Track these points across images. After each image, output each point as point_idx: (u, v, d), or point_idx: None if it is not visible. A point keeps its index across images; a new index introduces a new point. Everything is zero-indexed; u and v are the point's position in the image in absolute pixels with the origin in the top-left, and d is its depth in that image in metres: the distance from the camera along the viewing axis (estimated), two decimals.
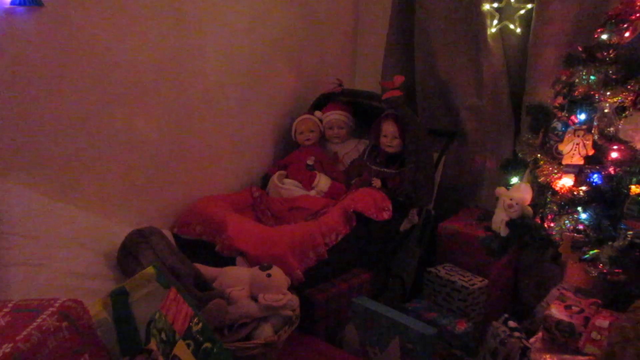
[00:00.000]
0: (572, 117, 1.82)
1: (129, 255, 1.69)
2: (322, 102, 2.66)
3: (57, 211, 1.74)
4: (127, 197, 2.06)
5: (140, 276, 1.44)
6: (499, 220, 1.89)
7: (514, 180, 2.04)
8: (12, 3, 1.60)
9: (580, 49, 1.87)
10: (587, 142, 1.73)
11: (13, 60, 1.65)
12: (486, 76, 2.57)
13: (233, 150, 2.46)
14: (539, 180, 1.87)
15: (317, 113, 2.61)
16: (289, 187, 2.40)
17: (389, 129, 2.41)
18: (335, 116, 2.58)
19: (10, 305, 0.99)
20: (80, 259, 1.65)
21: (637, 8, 1.72)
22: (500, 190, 1.94)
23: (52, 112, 1.77)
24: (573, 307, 1.72)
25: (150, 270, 1.45)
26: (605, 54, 1.78)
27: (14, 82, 1.66)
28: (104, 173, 1.97)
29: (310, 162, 2.47)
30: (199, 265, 1.80)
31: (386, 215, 2.26)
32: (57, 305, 0.98)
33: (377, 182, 2.36)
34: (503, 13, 2.54)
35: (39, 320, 0.92)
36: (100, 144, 1.94)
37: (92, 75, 1.86)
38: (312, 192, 2.40)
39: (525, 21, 2.51)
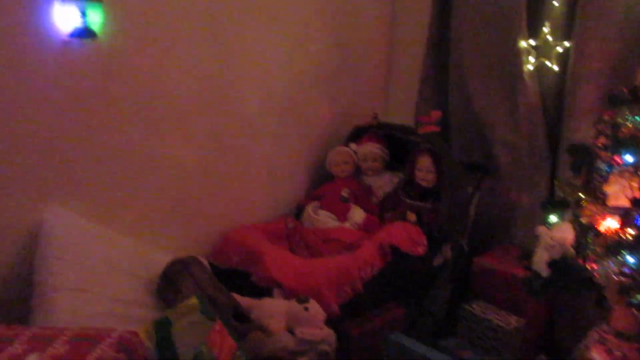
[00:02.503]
0: (616, 158, 1.80)
1: (170, 283, 1.70)
2: (357, 134, 2.68)
3: (100, 236, 1.77)
4: (166, 224, 2.09)
5: (184, 306, 1.45)
6: (540, 260, 1.86)
7: (554, 219, 2.01)
8: (70, 35, 1.66)
9: (624, 90, 1.86)
10: (634, 184, 1.70)
11: (66, 89, 1.71)
12: (522, 112, 2.56)
13: (268, 179, 2.48)
14: (582, 220, 1.84)
15: (352, 145, 2.63)
16: (323, 219, 2.41)
17: (424, 163, 2.41)
18: (370, 149, 2.59)
19: (68, 333, 1.00)
20: (122, 286, 1.67)
21: None
22: (542, 229, 1.91)
23: (99, 140, 1.82)
24: (615, 352, 1.67)
25: (193, 300, 1.46)
26: None
27: (66, 110, 1.72)
28: (145, 200, 2.01)
29: (344, 194, 2.47)
30: (235, 296, 1.80)
31: (421, 250, 2.24)
32: (114, 336, 0.99)
33: (411, 216, 2.35)
34: (540, 50, 2.54)
35: (98, 350, 0.93)
36: (143, 171, 1.98)
37: (137, 104, 1.92)
38: (347, 224, 2.40)
39: (563, 58, 2.51)
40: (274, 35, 2.37)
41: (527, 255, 1.98)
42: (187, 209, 2.16)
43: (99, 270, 1.66)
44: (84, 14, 1.66)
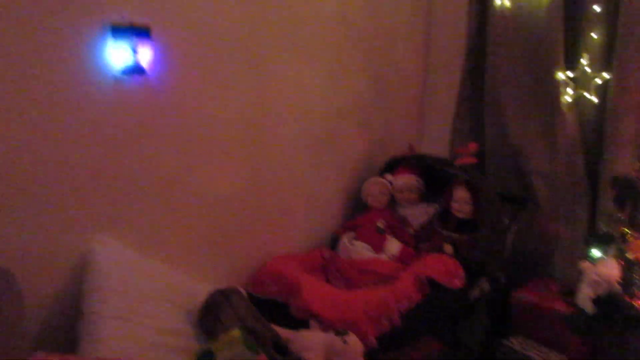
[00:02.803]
0: None
1: (211, 314, 1.72)
2: (393, 165, 2.69)
3: (144, 266, 1.81)
4: (205, 254, 2.12)
5: (227, 338, 1.46)
6: (585, 296, 1.82)
7: (598, 254, 1.97)
8: (121, 72, 1.74)
9: None
10: None
11: (115, 123, 1.78)
12: (560, 144, 2.54)
13: (304, 210, 2.51)
14: (628, 256, 1.80)
15: (388, 176, 2.64)
16: (359, 250, 2.41)
17: (460, 194, 2.40)
18: (405, 180, 2.60)
19: None
20: (165, 315, 1.70)
21: None
22: (586, 265, 1.87)
23: (144, 171, 1.88)
24: None
25: (236, 333, 1.48)
26: None
27: (114, 143, 1.78)
28: (186, 229, 2.05)
29: (380, 225, 2.47)
30: (274, 327, 1.80)
31: (458, 282, 2.21)
32: None
33: (448, 248, 2.33)
34: (578, 82, 2.53)
35: None
36: (184, 202, 2.02)
37: (181, 137, 1.97)
38: (383, 256, 2.40)
39: (602, 90, 2.49)
40: (311, 70, 2.42)
41: (570, 291, 1.94)
42: (225, 239, 2.19)
43: (143, 299, 1.69)
44: (134, 52, 1.74)
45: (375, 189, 2.60)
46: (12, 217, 1.60)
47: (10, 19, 1.52)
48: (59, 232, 1.70)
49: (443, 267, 2.20)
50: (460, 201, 2.39)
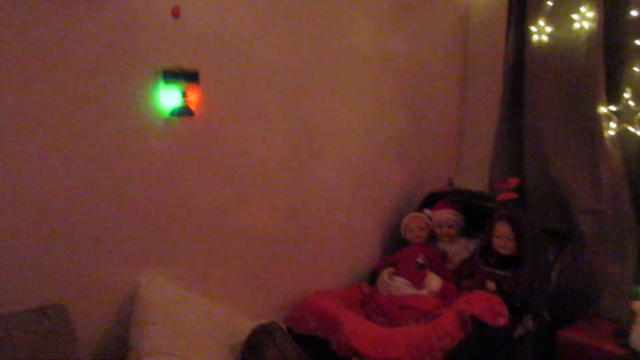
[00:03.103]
0: None
1: (254, 351, 1.73)
2: (432, 200, 2.68)
3: (188, 300, 1.84)
4: (247, 288, 2.16)
5: None
6: (639, 338, 1.75)
7: None
8: (170, 114, 1.82)
9: None
10: None
11: (163, 161, 1.85)
12: (604, 179, 2.48)
13: (344, 244, 2.52)
14: None
15: (427, 211, 2.63)
16: (399, 285, 2.39)
17: (502, 230, 2.37)
18: (445, 215, 2.59)
19: None
20: (209, 351, 1.72)
21: None
22: (638, 305, 1.81)
23: (190, 207, 1.94)
24: None
25: None
26: None
27: (162, 180, 1.86)
28: (229, 265, 2.09)
29: (420, 260, 2.45)
30: None
31: (502, 320, 2.16)
32: None
33: (491, 285, 2.29)
34: (621, 115, 2.49)
35: None
36: (228, 237, 2.07)
37: (225, 174, 2.04)
38: (423, 292, 2.37)
39: None
40: (351, 107, 2.47)
41: (621, 332, 1.87)
42: (266, 274, 2.22)
43: (188, 334, 1.72)
44: (183, 94, 1.82)
45: (414, 224, 2.60)
46: (66, 253, 1.67)
47: (75, 64, 1.62)
48: (109, 268, 1.77)
49: (486, 305, 2.16)
50: (502, 237, 2.36)
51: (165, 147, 1.85)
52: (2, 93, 1.52)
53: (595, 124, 2.50)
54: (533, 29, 2.66)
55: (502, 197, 2.38)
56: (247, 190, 2.11)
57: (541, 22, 2.64)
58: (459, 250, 2.60)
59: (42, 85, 1.58)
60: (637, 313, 1.79)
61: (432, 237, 2.65)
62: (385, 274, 2.46)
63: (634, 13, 2.43)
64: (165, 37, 1.81)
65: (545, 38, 2.65)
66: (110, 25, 1.69)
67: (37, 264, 1.62)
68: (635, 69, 2.45)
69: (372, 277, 2.55)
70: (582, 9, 2.54)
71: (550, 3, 2.63)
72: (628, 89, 2.46)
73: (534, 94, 2.71)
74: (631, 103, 2.47)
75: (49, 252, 1.64)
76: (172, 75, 1.80)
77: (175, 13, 1.82)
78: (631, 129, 2.46)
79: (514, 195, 2.37)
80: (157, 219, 1.85)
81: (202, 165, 1.96)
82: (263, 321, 1.88)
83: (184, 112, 1.84)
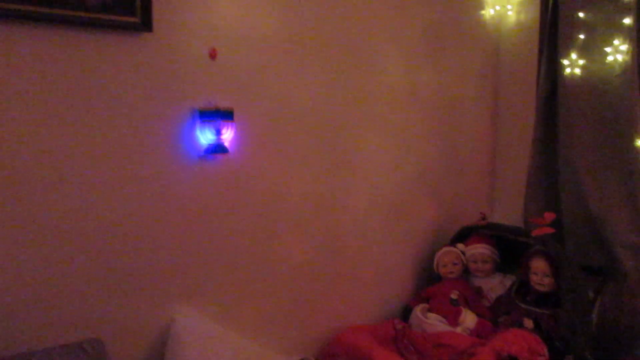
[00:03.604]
0: None
1: None
2: (465, 234, 2.64)
3: (221, 337, 1.85)
4: (279, 323, 2.15)
5: None
6: None
7: None
8: (205, 152, 1.87)
9: None
10: None
11: (198, 198, 1.89)
12: None
13: (375, 280, 2.50)
14: None
15: (460, 245, 2.60)
16: (433, 322, 2.34)
17: (539, 266, 2.31)
18: (479, 249, 2.55)
19: None
20: None
21: None
22: None
23: (224, 243, 1.97)
24: None
25: None
26: None
27: (196, 217, 1.89)
28: (261, 300, 2.09)
29: (454, 296, 2.41)
30: None
31: None
32: None
33: (529, 323, 2.22)
34: None
35: None
36: (260, 272, 2.09)
37: (259, 210, 2.07)
38: (458, 329, 2.31)
39: None
40: (381, 141, 2.48)
41: None
42: (298, 309, 2.22)
43: None
44: (219, 133, 1.87)
45: (448, 259, 2.56)
46: (104, 288, 1.71)
47: (116, 105, 1.70)
48: (144, 304, 1.79)
49: (524, 344, 2.09)
50: (540, 273, 2.30)
51: (200, 183, 1.89)
52: (48, 134, 1.59)
53: (633, 158, 2.44)
54: (565, 62, 2.65)
55: (537, 232, 2.33)
56: (279, 226, 2.13)
57: (573, 55, 2.62)
58: (494, 286, 2.55)
59: (82, 125, 1.65)
60: None
61: (466, 273, 2.60)
62: (418, 310, 2.41)
63: None
64: (202, 78, 1.88)
65: (578, 71, 2.63)
66: (150, 67, 1.76)
67: (76, 299, 1.67)
68: None
69: (405, 312, 2.51)
70: (616, 41, 2.52)
71: (582, 36, 2.62)
72: None
73: (568, 128, 2.67)
74: None
75: (87, 287, 1.68)
76: (208, 114, 1.86)
77: (212, 55, 1.89)
78: None
79: (550, 230, 2.32)
80: (191, 255, 1.88)
81: (236, 201, 1.99)
82: (295, 357, 1.86)
83: (219, 149, 1.88)
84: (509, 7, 3.00)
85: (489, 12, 2.97)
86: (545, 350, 2.11)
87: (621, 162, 2.48)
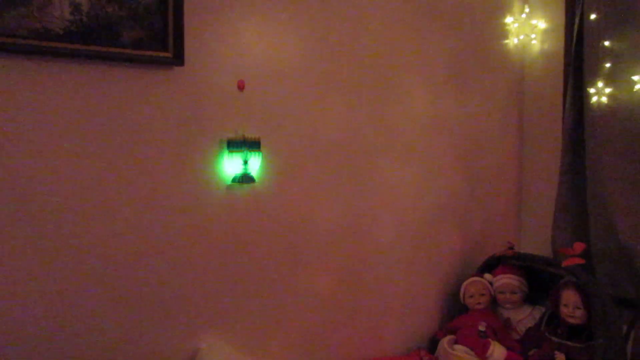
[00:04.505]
0: None
1: None
2: (492, 264, 2.60)
3: None
4: (305, 353, 2.15)
5: None
6: None
7: None
8: (232, 181, 1.90)
9: None
10: None
11: (225, 227, 1.92)
12: None
13: (401, 310, 2.47)
14: None
15: (487, 275, 2.56)
16: (460, 354, 2.29)
17: (570, 298, 2.25)
18: (507, 280, 2.50)
19: None
20: None
21: None
22: None
23: (248, 273, 1.98)
24: None
25: None
26: None
27: (223, 246, 1.91)
28: (287, 330, 2.09)
29: (482, 327, 2.36)
30: None
31: None
32: None
33: (561, 357, 2.16)
34: None
35: None
36: (286, 302, 2.09)
37: (284, 239, 2.08)
38: None
39: None
40: (406, 170, 2.49)
41: None
42: (323, 339, 2.20)
43: None
44: (246, 162, 1.90)
45: (474, 289, 2.52)
46: (129, 317, 1.73)
47: (148, 136, 1.75)
48: (170, 333, 1.81)
49: None
50: (571, 305, 2.24)
51: (227, 213, 1.92)
52: (83, 167, 1.65)
53: None
54: (592, 90, 2.63)
55: (567, 262, 2.28)
56: (305, 255, 2.14)
57: (600, 84, 2.61)
58: (524, 317, 2.49)
59: (115, 158, 1.70)
60: None
61: (494, 304, 2.55)
62: (445, 342, 2.37)
63: None
64: (231, 109, 1.93)
65: (604, 100, 2.61)
66: (181, 100, 1.82)
67: (101, 329, 1.69)
68: None
69: (432, 344, 2.46)
70: None
71: (608, 64, 2.61)
72: None
73: (596, 157, 2.64)
74: None
75: (113, 317, 1.70)
76: (236, 144, 1.90)
77: (241, 86, 1.94)
78: None
79: (581, 261, 2.27)
80: (217, 284, 1.90)
81: (262, 230, 2.01)
82: None
83: (246, 179, 1.91)
84: (533, 35, 3.01)
85: (512, 42, 2.99)
86: None
87: None
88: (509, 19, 2.95)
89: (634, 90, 2.53)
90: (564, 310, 2.27)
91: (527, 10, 3.00)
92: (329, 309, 2.21)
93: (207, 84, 1.88)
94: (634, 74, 2.53)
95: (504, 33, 2.94)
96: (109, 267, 1.69)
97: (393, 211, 2.44)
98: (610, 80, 2.61)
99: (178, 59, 1.80)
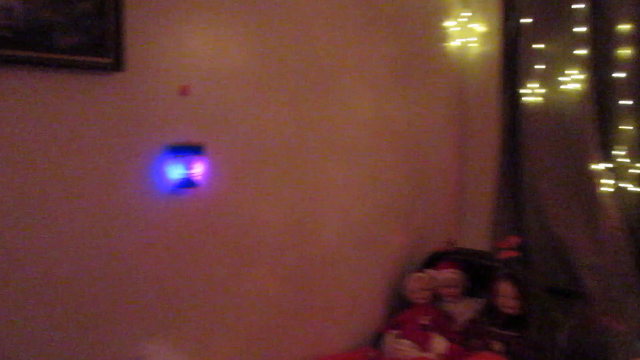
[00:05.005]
0: None
1: None
2: (434, 260, 2.70)
3: None
4: (251, 355, 2.16)
5: None
6: None
7: None
8: (175, 186, 1.91)
9: None
10: None
11: (168, 232, 1.92)
12: (604, 234, 2.51)
13: (347, 308, 2.54)
14: None
15: (430, 271, 2.65)
16: (404, 348, 2.38)
17: (505, 289, 2.37)
18: (448, 275, 2.61)
19: None
20: None
21: None
22: None
23: (195, 277, 1.99)
24: None
25: None
26: None
27: (166, 251, 1.92)
28: (234, 332, 2.12)
29: (424, 321, 2.45)
30: None
31: None
32: None
33: (498, 346, 2.28)
34: (617, 172, 2.55)
35: None
36: (232, 305, 2.11)
37: (230, 243, 2.10)
38: (429, 354, 2.35)
39: None
40: (351, 170, 2.55)
41: None
42: (271, 341, 2.24)
43: None
44: (189, 167, 1.91)
45: (417, 285, 2.61)
46: (71, 326, 1.72)
47: (86, 141, 1.73)
48: (113, 340, 1.80)
49: None
50: (506, 296, 2.36)
51: (170, 218, 1.93)
52: (18, 174, 1.62)
53: (591, 181, 2.55)
54: (525, 91, 2.77)
55: (502, 255, 2.40)
56: (251, 258, 2.17)
57: (533, 84, 2.75)
58: (465, 310, 2.59)
59: (53, 165, 1.68)
60: None
61: (437, 298, 2.65)
62: (390, 337, 2.45)
63: (617, 75, 2.55)
64: (174, 114, 1.93)
65: (537, 99, 2.76)
66: (121, 106, 1.81)
67: (38, 337, 1.67)
68: (627, 127, 2.53)
69: (377, 340, 2.54)
70: (572, 71, 2.66)
71: (541, 66, 2.76)
72: (620, 147, 2.53)
73: (530, 154, 2.78)
74: (625, 160, 2.53)
75: (50, 325, 1.69)
76: (178, 149, 1.90)
77: (184, 91, 1.94)
78: (626, 185, 2.51)
79: (515, 254, 2.39)
80: (161, 290, 1.90)
81: (207, 235, 2.03)
82: None
83: (189, 184, 1.92)
84: (473, 39, 3.13)
85: (453, 45, 3.10)
86: None
87: (580, 185, 2.59)
88: (449, 23, 3.06)
89: (564, 90, 2.68)
90: (500, 301, 2.38)
91: (466, 14, 3.11)
92: (275, 310, 2.25)
93: (149, 90, 1.88)
94: (564, 75, 2.67)
95: (444, 37, 3.05)
96: (47, 277, 1.67)
97: (338, 211, 2.50)
98: (542, 80, 2.76)
99: (118, 64, 1.79)
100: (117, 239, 1.80)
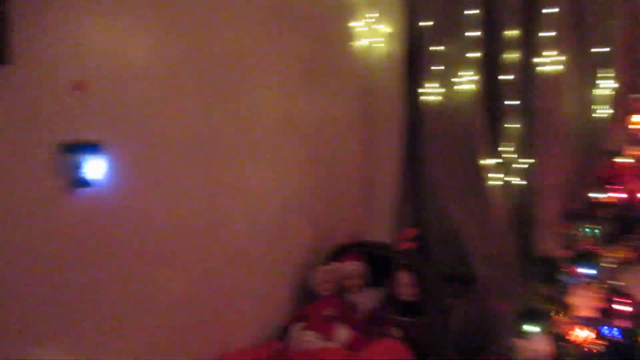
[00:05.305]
0: (576, 270, 1.93)
1: None
2: (339, 253, 2.80)
3: None
4: (160, 356, 2.13)
5: None
6: None
7: (531, 330, 2.09)
8: (69, 186, 1.84)
9: (579, 206, 2.04)
10: (595, 296, 1.82)
11: (63, 233, 1.84)
12: (493, 225, 2.73)
13: (256, 304, 2.55)
14: (555, 331, 1.93)
15: (334, 264, 2.74)
16: (309, 339, 2.45)
17: (403, 278, 2.52)
18: (351, 267, 2.70)
19: None
20: None
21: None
22: (518, 341, 1.98)
23: (91, 279, 1.91)
24: None
25: None
26: (603, 211, 1.95)
27: (61, 255, 1.84)
28: (138, 335, 2.03)
29: (329, 312, 2.54)
30: None
31: None
32: None
33: (397, 332, 2.41)
34: (505, 167, 2.78)
35: None
36: (138, 307, 2.03)
37: (133, 243, 2.02)
38: (333, 344, 2.44)
39: (528, 174, 2.73)
40: (258, 167, 2.57)
41: None
42: (179, 342, 2.19)
43: None
44: (84, 166, 1.85)
45: (322, 277, 2.68)
46: None
47: None
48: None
49: (392, 352, 2.27)
50: (403, 285, 2.51)
51: (64, 219, 1.85)
52: None
53: (482, 175, 2.76)
54: (425, 90, 2.95)
55: (400, 247, 2.55)
56: (154, 259, 2.11)
57: (433, 85, 2.93)
58: (368, 300, 2.71)
59: None
60: (517, 349, 1.96)
61: (342, 289, 2.75)
62: (295, 329, 2.51)
63: (505, 77, 2.78)
64: (68, 111, 1.83)
65: (436, 98, 2.94)
66: (6, 102, 1.71)
67: None
68: (514, 125, 2.77)
69: (284, 332, 2.60)
70: (467, 72, 2.86)
71: (438, 67, 2.94)
72: (509, 143, 2.76)
73: (429, 149, 2.97)
74: (513, 155, 2.77)
75: None
76: (72, 147, 1.83)
77: (81, 87, 1.86)
78: (513, 179, 2.75)
79: (412, 245, 2.55)
80: (55, 293, 1.82)
81: (106, 235, 1.96)
82: None
83: (84, 183, 1.86)
84: (379, 39, 3.24)
85: (360, 45, 3.20)
86: (409, 356, 2.31)
87: (472, 179, 2.79)
88: (355, 23, 3.16)
89: (460, 90, 2.87)
90: (398, 290, 2.53)
91: (373, 15, 3.22)
92: (182, 310, 2.20)
93: (40, 85, 1.77)
94: (459, 76, 2.87)
95: (351, 36, 3.14)
96: None
97: (246, 208, 2.51)
98: (440, 80, 2.94)
99: (2, 57, 1.69)
100: (3, 242, 1.71)
